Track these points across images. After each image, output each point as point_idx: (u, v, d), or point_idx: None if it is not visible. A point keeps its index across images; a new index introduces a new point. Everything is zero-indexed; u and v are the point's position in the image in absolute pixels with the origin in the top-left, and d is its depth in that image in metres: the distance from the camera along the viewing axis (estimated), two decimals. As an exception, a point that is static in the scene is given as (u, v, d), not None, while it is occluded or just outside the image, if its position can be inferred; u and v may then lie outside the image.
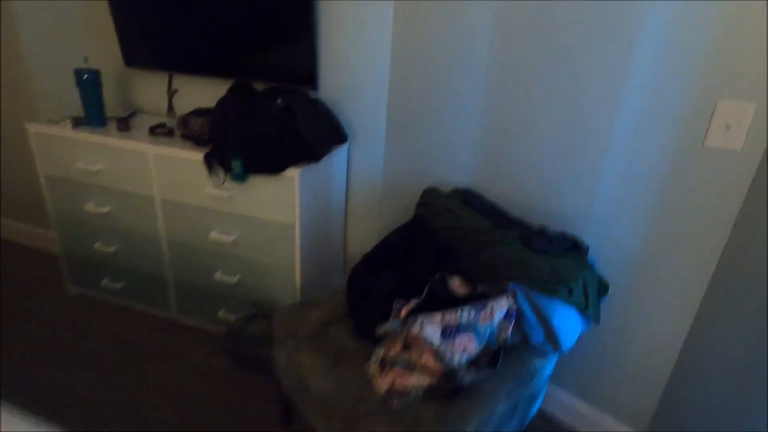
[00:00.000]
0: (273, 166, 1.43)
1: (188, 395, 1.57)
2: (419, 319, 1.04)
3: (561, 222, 1.38)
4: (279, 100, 1.48)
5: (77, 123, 1.73)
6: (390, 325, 1.09)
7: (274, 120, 1.44)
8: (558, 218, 1.39)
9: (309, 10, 1.57)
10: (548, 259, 1.19)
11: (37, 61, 1.97)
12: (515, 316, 1.10)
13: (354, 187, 1.91)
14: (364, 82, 1.71)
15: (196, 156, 1.51)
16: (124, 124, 1.72)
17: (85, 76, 1.66)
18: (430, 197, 1.50)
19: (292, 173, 1.44)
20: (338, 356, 1.19)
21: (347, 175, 1.89)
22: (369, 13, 1.59)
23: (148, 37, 1.88)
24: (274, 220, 1.54)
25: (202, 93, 2.00)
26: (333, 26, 1.67)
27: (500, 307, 1.09)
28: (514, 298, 1.11)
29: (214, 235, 1.63)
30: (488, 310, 1.08)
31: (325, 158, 1.57)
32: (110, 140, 1.62)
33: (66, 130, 1.68)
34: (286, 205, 1.49)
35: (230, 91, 1.57)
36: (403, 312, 1.12)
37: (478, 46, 1.40)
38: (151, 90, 2.12)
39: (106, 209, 1.74)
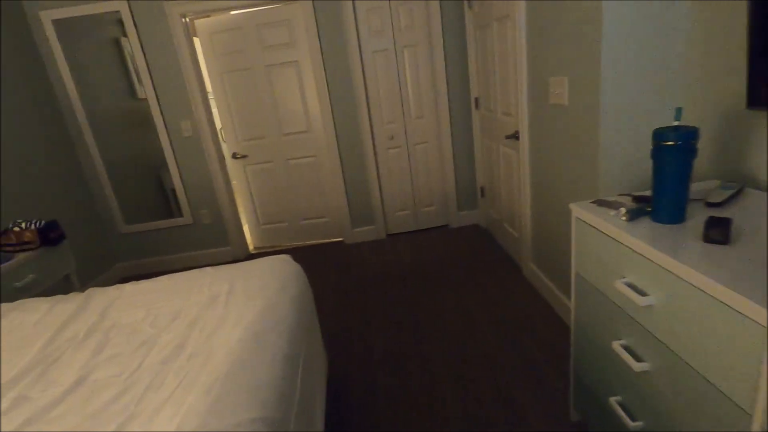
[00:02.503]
0: None
1: None
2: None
3: None
4: None
5: (636, 213, 1.08)
6: None
7: None
8: None
9: None
10: None
11: (613, 116, 1.49)
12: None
13: None
14: None
15: None
16: (717, 230, 0.89)
17: (670, 141, 0.97)
18: None
19: None
20: None
21: None
22: None
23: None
24: None
25: None
26: None
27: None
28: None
29: None
30: None
31: None
32: (676, 264, 0.85)
33: (612, 223, 1.07)
34: None
35: None
36: None
37: None
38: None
39: (642, 366, 1.01)
